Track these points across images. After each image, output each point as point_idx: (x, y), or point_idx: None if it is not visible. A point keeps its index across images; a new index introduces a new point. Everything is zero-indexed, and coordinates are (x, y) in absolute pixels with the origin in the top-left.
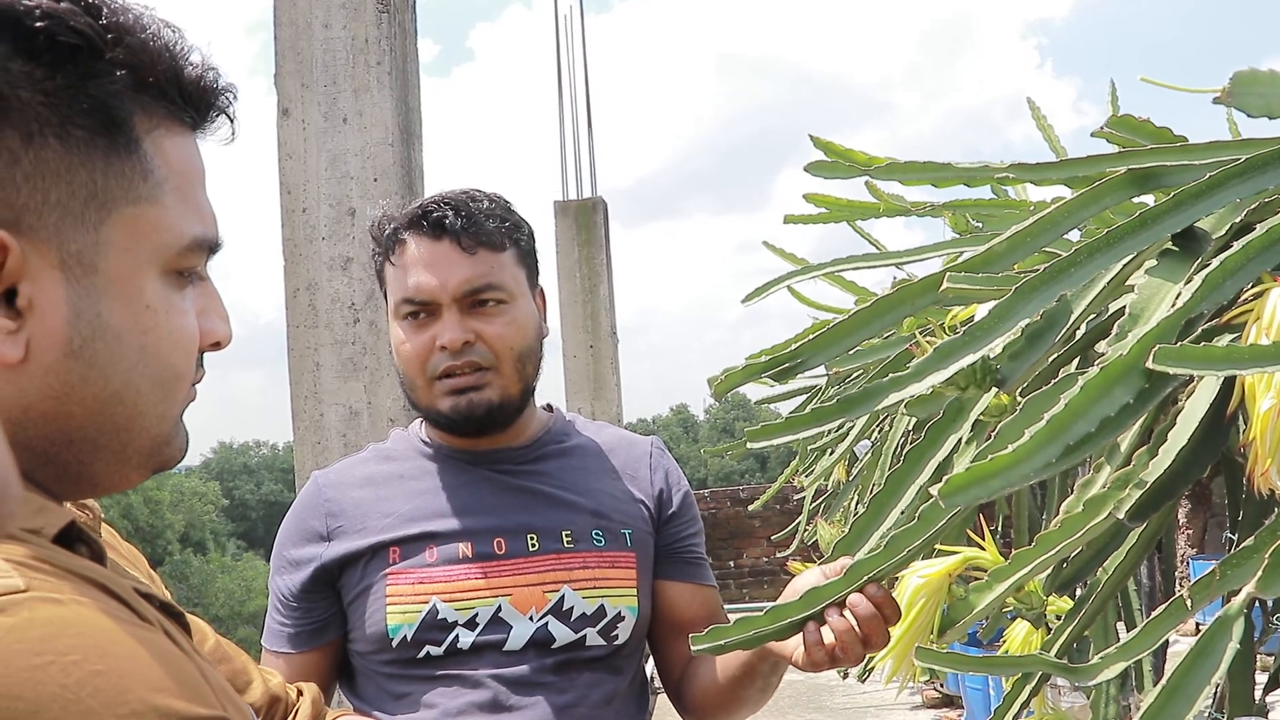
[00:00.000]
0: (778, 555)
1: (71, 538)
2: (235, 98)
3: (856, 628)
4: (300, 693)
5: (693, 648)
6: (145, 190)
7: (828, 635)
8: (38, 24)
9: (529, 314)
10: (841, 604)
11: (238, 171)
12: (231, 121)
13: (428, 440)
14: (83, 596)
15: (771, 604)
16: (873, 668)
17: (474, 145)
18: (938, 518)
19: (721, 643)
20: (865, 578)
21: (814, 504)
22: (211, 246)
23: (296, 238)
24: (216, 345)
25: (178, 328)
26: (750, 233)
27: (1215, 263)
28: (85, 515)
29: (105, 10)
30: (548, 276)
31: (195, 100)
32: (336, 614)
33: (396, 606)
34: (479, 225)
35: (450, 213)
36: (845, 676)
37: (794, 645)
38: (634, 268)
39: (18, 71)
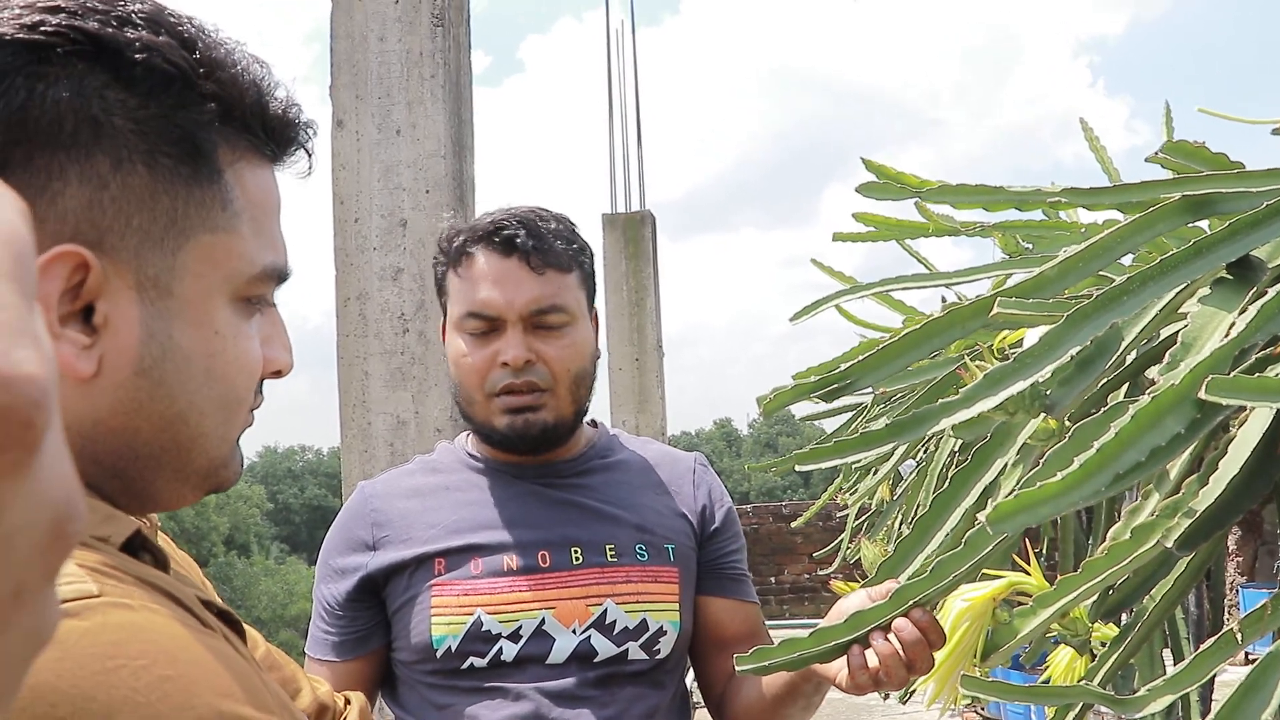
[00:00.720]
0: (819, 572)
1: (136, 546)
2: (315, 133)
3: (901, 652)
4: (348, 701)
5: (737, 668)
6: (223, 219)
7: (872, 659)
8: (138, 55)
9: (587, 336)
10: (886, 627)
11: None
12: (310, 156)
13: (474, 454)
14: (153, 603)
15: (817, 625)
16: (915, 690)
17: (523, 156)
18: (984, 543)
19: (766, 664)
20: (911, 602)
21: (857, 522)
22: (281, 276)
23: (348, 247)
24: (278, 374)
25: (244, 353)
26: (797, 248)
27: (1271, 293)
28: (144, 524)
29: (200, 45)
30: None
31: (278, 135)
32: (381, 623)
33: (441, 618)
34: (549, 245)
35: (522, 231)
36: (886, 698)
37: (838, 667)
38: (681, 280)
39: (113, 100)
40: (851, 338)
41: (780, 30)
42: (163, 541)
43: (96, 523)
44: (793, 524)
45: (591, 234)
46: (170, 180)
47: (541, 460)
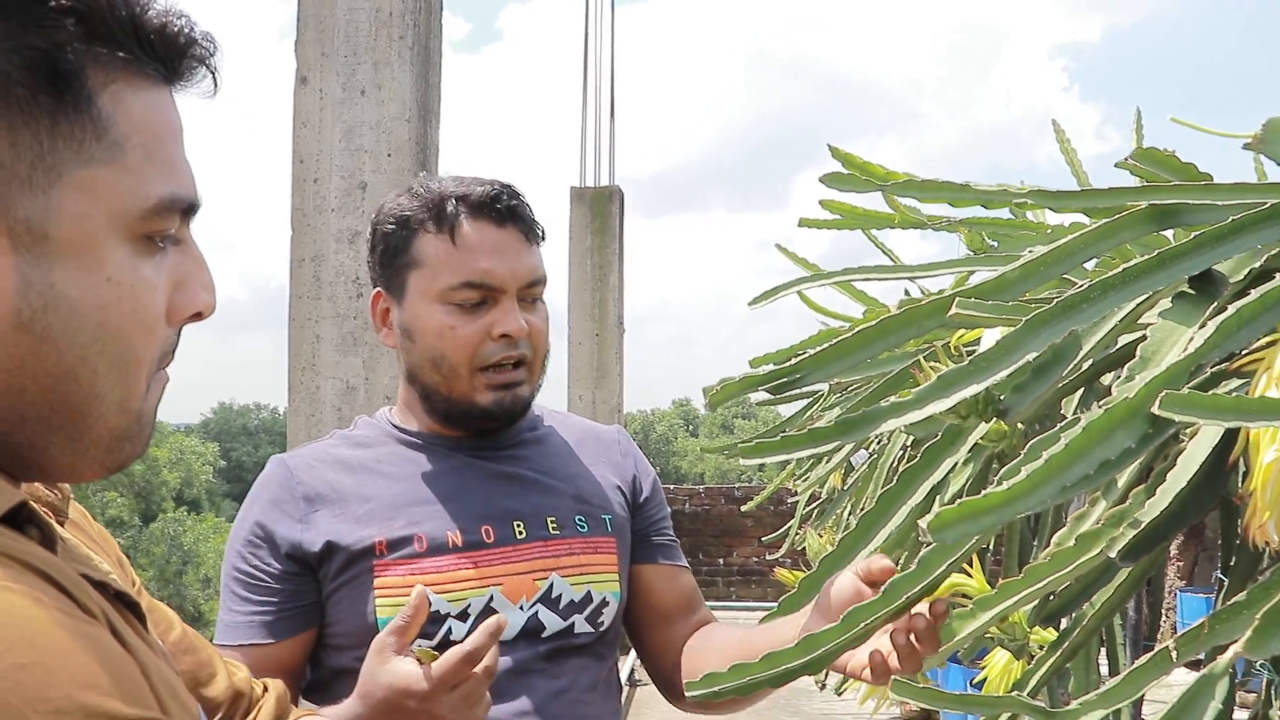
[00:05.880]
0: (768, 557)
1: (21, 519)
2: (214, 48)
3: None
4: (266, 688)
5: (687, 694)
6: (100, 150)
7: (886, 645)
8: None
9: (549, 314)
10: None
11: (259, 135)
12: (213, 74)
13: (402, 426)
14: (15, 584)
15: (765, 610)
16: (848, 685)
17: (497, 125)
18: (939, 563)
19: (716, 689)
20: (861, 625)
21: (807, 509)
22: (187, 207)
23: (306, 207)
24: (198, 316)
25: (142, 304)
26: (767, 231)
27: (1231, 310)
28: (54, 495)
29: None
30: (559, 261)
31: (160, 51)
32: (314, 604)
33: (386, 599)
34: (532, 217)
35: (515, 202)
36: (823, 687)
37: (846, 658)
38: (650, 258)
39: None
40: (815, 322)
41: (762, 13)
42: (76, 513)
43: None
44: (743, 507)
45: (559, 207)
46: (29, 111)
47: (475, 432)
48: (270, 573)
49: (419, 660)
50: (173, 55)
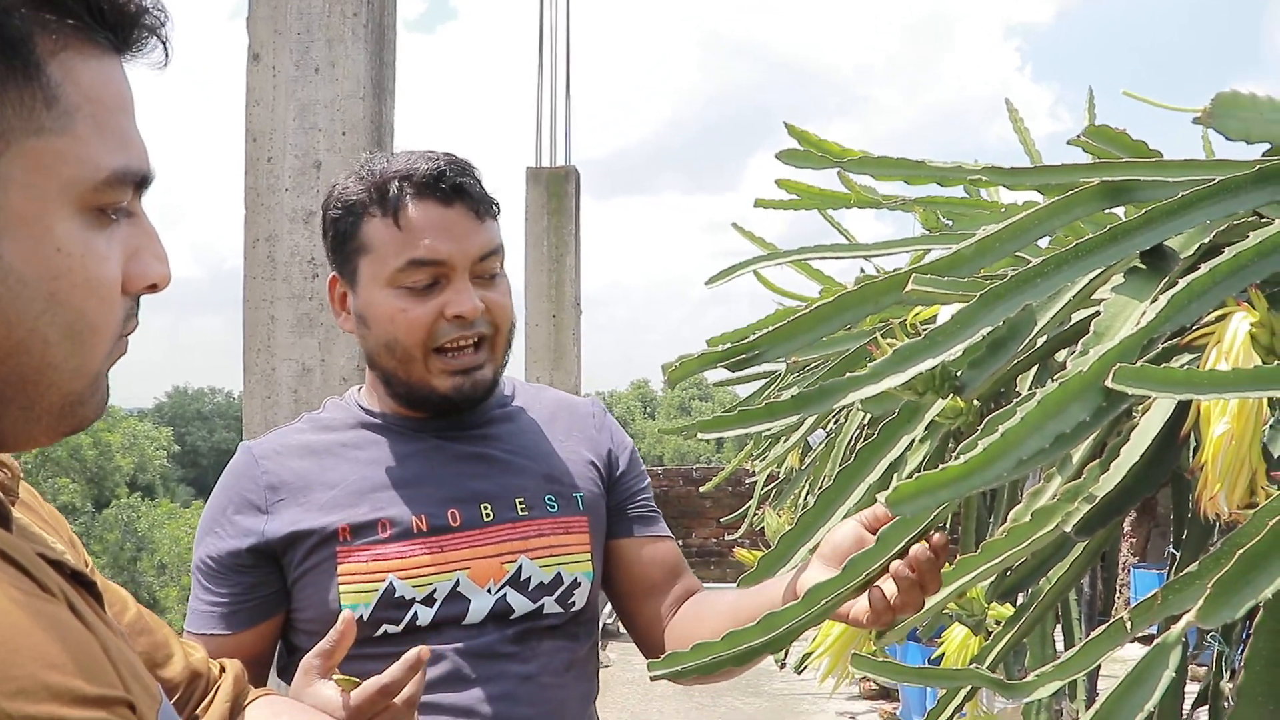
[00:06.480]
0: (727, 537)
1: None
2: (165, 17)
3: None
4: (223, 669)
5: (650, 673)
6: (50, 120)
7: (890, 588)
8: None
9: (511, 287)
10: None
11: (211, 113)
12: (165, 44)
13: (369, 409)
14: None
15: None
16: (809, 663)
17: (451, 104)
18: (897, 540)
19: (679, 668)
20: (824, 601)
21: (765, 489)
22: (140, 180)
23: (259, 187)
24: (153, 287)
25: (95, 275)
26: (720, 213)
27: (1182, 284)
28: (3, 474)
29: None
30: (515, 243)
31: (110, 19)
32: (278, 592)
33: (351, 586)
34: (482, 193)
35: (465, 179)
36: (782, 666)
37: (848, 607)
38: (602, 240)
39: None
40: (771, 304)
41: None
42: (24, 493)
43: None
44: (702, 488)
45: (515, 187)
46: None
47: (440, 414)
48: (231, 564)
49: (341, 688)
50: (123, 24)
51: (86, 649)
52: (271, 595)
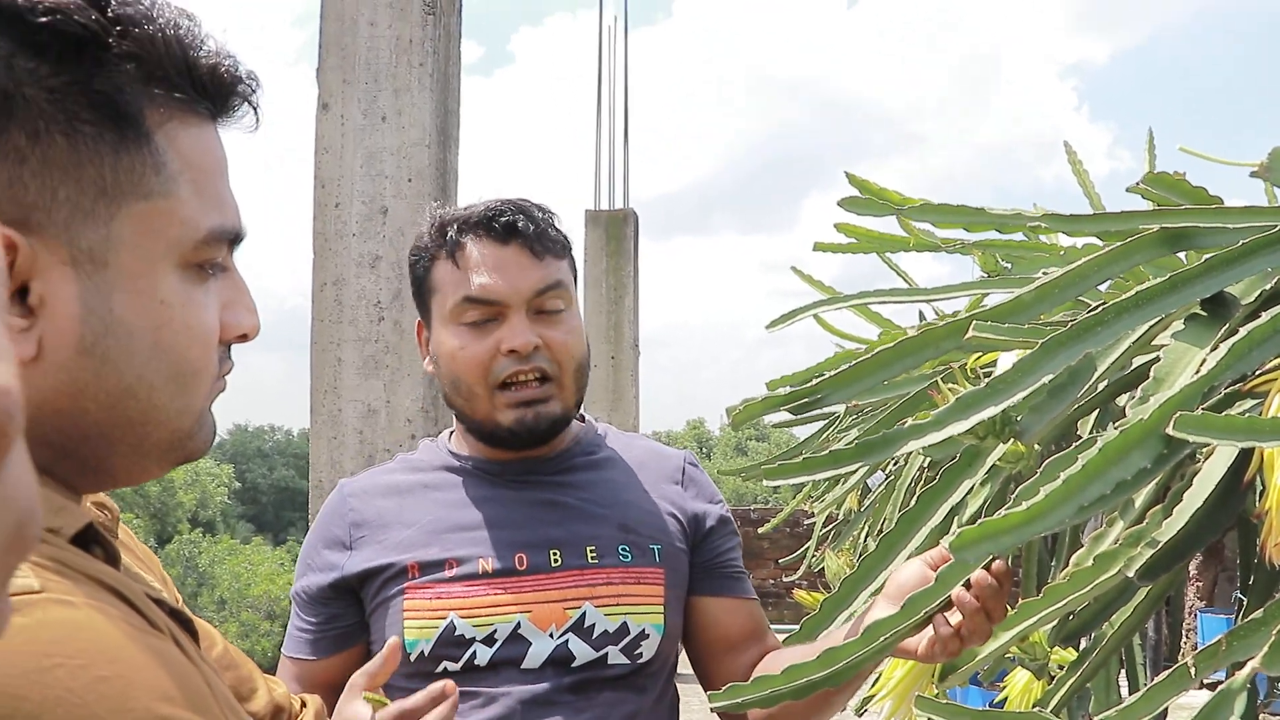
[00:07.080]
0: (785, 579)
1: (88, 539)
2: (257, 85)
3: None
4: (304, 703)
5: (710, 705)
6: (157, 184)
7: (955, 618)
8: (41, 19)
9: (581, 325)
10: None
11: (275, 159)
12: (255, 110)
13: (455, 451)
14: (95, 600)
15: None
16: (869, 706)
17: (510, 149)
18: (954, 578)
19: (739, 700)
20: (882, 638)
21: (824, 530)
22: (233, 238)
23: (328, 232)
24: (243, 337)
25: (195, 323)
26: (775, 254)
27: (1243, 332)
28: (104, 516)
29: (112, 1)
30: None
31: (211, 90)
32: (359, 624)
33: (414, 621)
34: (544, 231)
35: (520, 218)
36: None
37: (916, 641)
38: (660, 280)
39: (22, 69)
40: (827, 346)
41: (768, 36)
42: (123, 534)
43: (48, 514)
44: (760, 529)
45: (574, 230)
46: (94, 148)
47: (523, 457)
48: (317, 596)
49: (371, 705)
50: (221, 94)
51: (193, 683)
52: (352, 626)
